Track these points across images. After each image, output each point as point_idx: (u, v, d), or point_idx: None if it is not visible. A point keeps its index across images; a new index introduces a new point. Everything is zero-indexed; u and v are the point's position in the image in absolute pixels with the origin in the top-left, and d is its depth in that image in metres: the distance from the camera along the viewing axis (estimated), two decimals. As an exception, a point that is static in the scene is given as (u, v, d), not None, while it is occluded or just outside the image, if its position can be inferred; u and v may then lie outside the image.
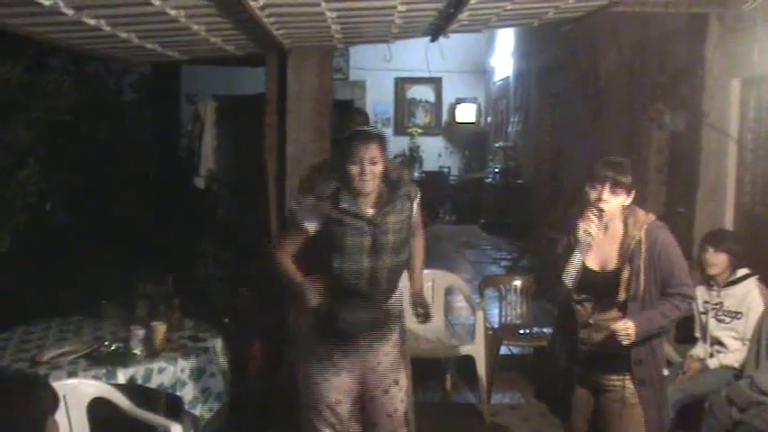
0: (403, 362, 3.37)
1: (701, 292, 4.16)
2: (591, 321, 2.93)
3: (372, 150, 3.05)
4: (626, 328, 2.81)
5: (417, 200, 3.26)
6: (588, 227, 2.82)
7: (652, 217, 2.96)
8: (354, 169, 3.05)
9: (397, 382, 3.28)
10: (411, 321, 3.54)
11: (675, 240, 2.96)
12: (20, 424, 2.09)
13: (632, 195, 2.91)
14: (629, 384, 2.94)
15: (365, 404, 3.29)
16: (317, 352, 3.21)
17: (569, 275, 2.83)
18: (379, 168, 3.07)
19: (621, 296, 2.89)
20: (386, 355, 3.25)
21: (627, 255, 2.88)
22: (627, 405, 2.94)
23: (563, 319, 3.07)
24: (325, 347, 3.19)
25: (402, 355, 3.35)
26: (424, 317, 3.34)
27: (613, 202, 2.85)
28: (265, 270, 5.47)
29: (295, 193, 3.32)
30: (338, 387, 3.20)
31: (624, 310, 2.88)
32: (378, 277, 3.12)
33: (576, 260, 2.82)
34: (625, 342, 2.82)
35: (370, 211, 3.11)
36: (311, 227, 3.12)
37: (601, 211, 2.84)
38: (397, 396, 3.29)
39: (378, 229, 3.08)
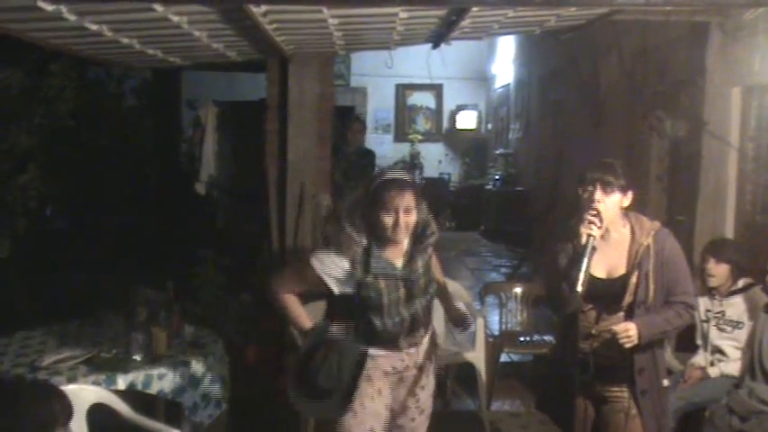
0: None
1: (702, 301, 4.15)
2: (593, 332, 2.92)
3: (408, 200, 2.85)
4: (627, 330, 2.80)
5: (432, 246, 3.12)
6: (590, 230, 2.81)
7: (658, 224, 2.96)
8: (388, 220, 2.84)
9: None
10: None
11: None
12: (29, 430, 2.09)
13: (629, 196, 2.90)
14: (628, 395, 2.93)
15: None
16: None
17: (581, 283, 2.77)
18: (413, 219, 2.89)
19: (627, 300, 2.88)
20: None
21: (636, 260, 2.88)
22: (628, 416, 2.93)
23: (566, 328, 3.06)
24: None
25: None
26: (463, 323, 3.17)
27: (608, 202, 2.84)
28: (264, 281, 5.49)
29: (320, 244, 3.10)
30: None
31: (630, 316, 2.87)
32: (416, 322, 3.00)
33: (584, 266, 2.78)
34: (627, 345, 2.81)
35: (399, 263, 2.96)
36: (337, 289, 2.93)
37: (597, 212, 2.82)
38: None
39: (409, 279, 2.95)
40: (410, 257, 2.98)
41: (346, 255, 2.89)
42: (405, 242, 2.98)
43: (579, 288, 2.77)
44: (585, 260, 2.78)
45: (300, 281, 3.02)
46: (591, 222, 2.81)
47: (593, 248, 2.80)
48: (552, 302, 3.10)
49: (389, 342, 2.98)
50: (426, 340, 3.11)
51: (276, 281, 3.08)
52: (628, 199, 2.90)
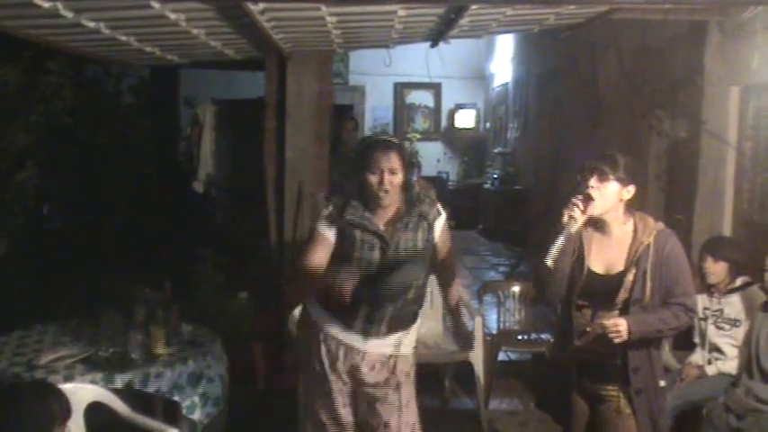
0: (407, 407, 3.14)
1: (701, 299, 4.14)
2: (588, 330, 2.91)
3: (393, 161, 2.89)
4: (616, 325, 2.79)
5: (441, 222, 3.11)
6: (572, 211, 2.82)
7: (661, 225, 2.95)
8: (373, 179, 2.89)
9: (387, 426, 3.09)
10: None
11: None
12: (27, 429, 2.09)
13: (629, 190, 2.87)
14: (623, 394, 2.92)
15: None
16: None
17: (551, 256, 2.80)
18: (398, 179, 2.91)
19: (621, 297, 2.87)
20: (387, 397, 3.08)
21: (634, 258, 2.87)
22: (621, 415, 2.91)
23: (562, 326, 3.06)
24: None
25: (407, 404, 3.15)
26: (465, 342, 3.18)
27: (603, 191, 2.84)
28: (266, 274, 5.49)
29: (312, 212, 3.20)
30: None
31: (625, 314, 2.86)
32: (382, 301, 2.95)
33: (559, 243, 2.80)
34: (617, 340, 2.79)
35: (381, 227, 2.96)
36: (331, 236, 2.96)
37: (586, 197, 2.83)
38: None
39: (386, 244, 2.93)
40: (394, 224, 2.96)
41: (332, 204, 2.98)
42: (392, 209, 2.98)
43: (549, 262, 2.80)
44: (561, 238, 2.81)
45: (312, 247, 2.98)
46: (574, 204, 2.82)
47: (572, 230, 2.82)
48: (536, 287, 3.13)
49: (350, 309, 2.96)
50: (390, 343, 3.04)
51: (300, 263, 3.04)
52: (628, 192, 2.88)
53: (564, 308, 3.05)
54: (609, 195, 2.86)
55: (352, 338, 3.02)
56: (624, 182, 2.86)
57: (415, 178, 3.14)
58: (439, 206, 3.13)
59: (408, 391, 3.14)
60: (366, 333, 3.00)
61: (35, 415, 2.14)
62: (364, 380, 3.06)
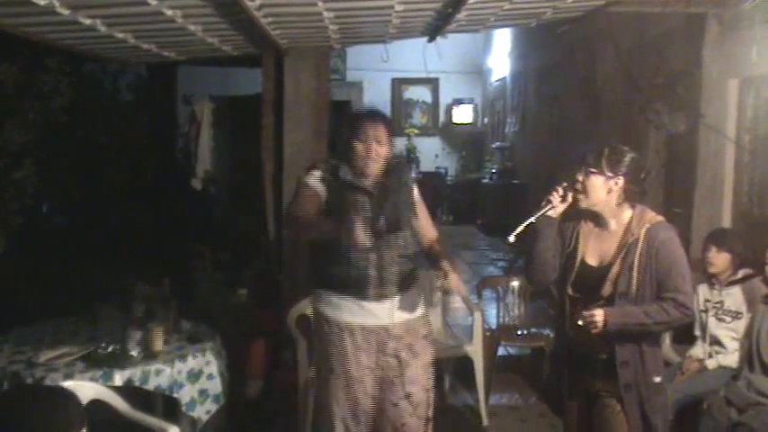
0: (425, 375, 3.22)
1: (702, 290, 4.16)
2: (580, 323, 2.88)
3: (380, 130, 3.06)
4: (592, 315, 2.76)
5: (415, 187, 3.26)
6: (551, 196, 2.86)
7: (660, 218, 2.90)
8: (360, 146, 3.05)
9: (409, 396, 3.15)
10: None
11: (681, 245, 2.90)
12: None
13: (616, 182, 2.83)
14: (613, 389, 2.87)
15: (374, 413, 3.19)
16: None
17: (515, 233, 2.85)
18: (384, 150, 3.07)
19: (607, 291, 2.83)
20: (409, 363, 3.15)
21: (623, 250, 2.85)
22: (614, 412, 2.87)
23: (559, 320, 3.05)
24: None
25: (425, 367, 3.22)
26: (445, 278, 3.12)
27: (588, 184, 2.84)
28: (267, 265, 5.48)
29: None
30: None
31: (611, 306, 2.82)
32: (388, 260, 3.05)
33: (527, 221, 2.86)
34: (593, 331, 2.76)
35: (369, 187, 3.10)
36: (320, 189, 3.08)
37: (573, 189, 2.86)
38: (407, 410, 3.15)
39: (375, 200, 3.07)
40: (379, 182, 3.10)
41: (321, 166, 3.14)
42: (375, 176, 3.11)
43: (511, 238, 2.85)
44: (532, 218, 2.88)
45: (300, 198, 3.10)
46: (554, 190, 2.87)
47: (549, 217, 2.88)
48: (527, 278, 3.19)
49: (357, 284, 3.04)
50: (401, 304, 3.13)
51: (289, 215, 3.16)
52: (616, 185, 2.82)
53: (559, 300, 3.04)
54: (594, 188, 2.84)
55: (371, 314, 3.09)
56: (614, 177, 2.83)
57: (413, 175, 3.19)
58: (412, 174, 3.35)
59: (428, 357, 3.23)
60: (380, 297, 3.08)
61: (52, 422, 2.13)
62: (389, 358, 3.12)
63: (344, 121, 3.15)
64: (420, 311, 3.24)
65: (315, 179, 3.10)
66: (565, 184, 2.87)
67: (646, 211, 2.91)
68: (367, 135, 3.04)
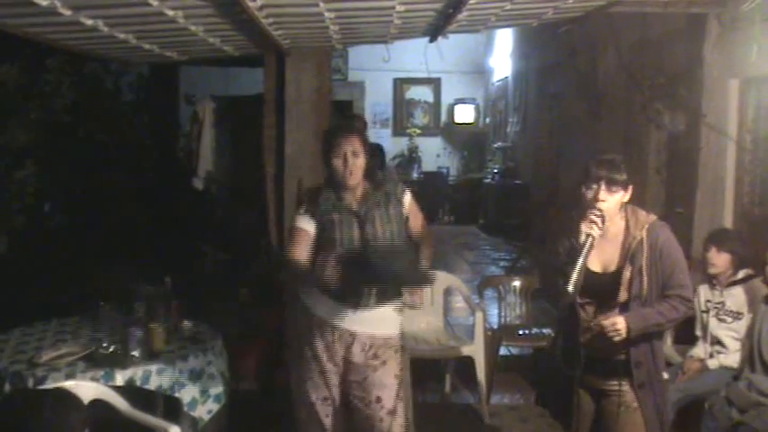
0: (393, 382, 3.27)
1: (703, 291, 4.16)
2: (593, 325, 2.90)
3: (354, 143, 3.14)
4: (615, 324, 2.79)
5: (408, 197, 3.31)
6: (591, 230, 2.77)
7: (653, 217, 2.93)
8: (338, 162, 3.13)
9: (379, 400, 3.22)
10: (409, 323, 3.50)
11: (677, 241, 2.94)
12: None
13: (629, 191, 2.87)
14: (628, 388, 2.92)
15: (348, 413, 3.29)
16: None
17: (574, 283, 2.74)
18: (361, 162, 3.15)
19: (623, 297, 2.86)
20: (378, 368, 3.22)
21: (629, 255, 2.85)
22: (628, 409, 2.92)
23: (564, 321, 3.05)
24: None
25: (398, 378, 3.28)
26: (411, 302, 3.28)
27: (611, 200, 2.82)
28: (266, 270, 5.48)
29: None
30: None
31: (625, 311, 2.85)
32: (369, 274, 3.10)
33: (579, 266, 2.74)
34: (616, 339, 2.80)
35: (354, 204, 3.19)
36: (310, 228, 3.19)
37: (600, 211, 2.80)
38: (377, 414, 3.23)
39: (362, 220, 3.15)
40: (365, 198, 3.18)
41: (306, 198, 3.27)
42: (359, 190, 3.21)
43: (571, 288, 2.74)
44: (581, 259, 2.75)
45: (293, 242, 3.20)
46: (593, 222, 2.77)
47: (591, 247, 2.77)
48: (548, 296, 3.11)
49: (342, 285, 3.10)
50: (386, 315, 3.21)
51: (284, 258, 3.26)
52: (628, 194, 2.88)
53: (568, 306, 3.03)
54: (617, 202, 2.85)
55: (344, 319, 3.17)
56: (627, 185, 2.85)
57: (415, 175, 3.23)
58: (402, 184, 3.36)
59: (397, 367, 3.29)
60: (356, 306, 3.17)
61: (57, 426, 2.14)
62: (355, 360, 3.21)
63: (321, 141, 3.26)
64: (393, 330, 3.28)
65: (301, 217, 3.21)
66: (597, 211, 2.79)
67: (637, 211, 2.93)
68: (341, 149, 3.12)
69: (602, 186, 2.80)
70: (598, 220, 2.78)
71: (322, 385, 3.25)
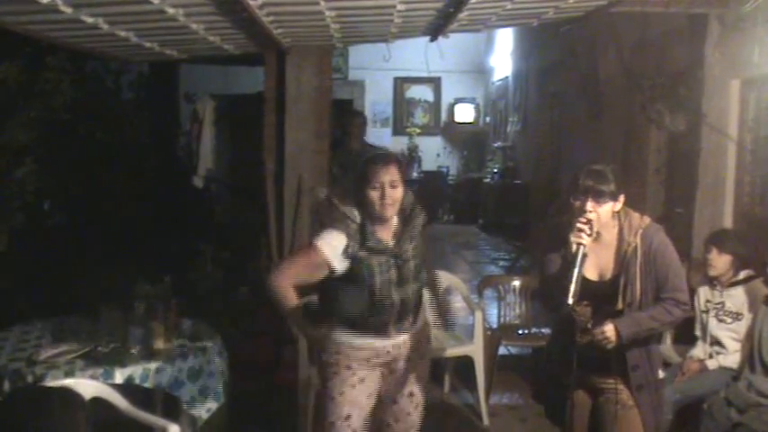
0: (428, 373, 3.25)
1: (703, 291, 4.16)
2: (589, 326, 2.89)
3: (392, 173, 2.91)
4: (603, 333, 2.79)
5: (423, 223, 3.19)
6: (579, 239, 2.75)
7: (647, 220, 2.92)
8: (374, 195, 2.90)
9: (412, 395, 3.18)
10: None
11: (672, 243, 2.92)
12: None
13: (620, 200, 2.86)
14: (625, 387, 2.92)
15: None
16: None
17: (572, 294, 2.72)
18: (399, 193, 2.93)
19: (620, 305, 2.86)
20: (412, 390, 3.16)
21: (623, 262, 2.85)
22: (625, 408, 2.92)
23: (561, 321, 3.05)
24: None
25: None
26: (444, 323, 3.25)
27: (600, 211, 2.81)
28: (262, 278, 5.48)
29: (315, 227, 3.11)
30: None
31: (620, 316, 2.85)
32: (405, 308, 3.01)
33: (575, 277, 2.72)
34: (608, 346, 2.80)
35: (390, 242, 3.00)
36: (340, 267, 2.92)
37: (588, 221, 2.78)
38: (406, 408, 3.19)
39: (400, 259, 2.98)
40: (400, 237, 3.01)
41: (343, 230, 2.91)
42: (394, 221, 3.02)
43: (570, 300, 2.72)
44: (576, 270, 2.73)
45: (303, 267, 2.96)
46: (581, 231, 2.76)
47: (584, 256, 2.76)
48: (545, 306, 3.11)
49: (378, 327, 2.99)
50: (416, 329, 3.13)
51: (276, 272, 3.02)
52: (619, 203, 2.87)
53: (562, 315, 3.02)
54: (606, 213, 2.84)
55: (386, 344, 3.05)
56: (616, 195, 2.84)
57: (415, 174, 3.15)
58: (422, 212, 3.15)
59: (429, 360, 3.26)
60: (399, 333, 3.06)
61: (61, 424, 2.14)
62: (399, 365, 3.11)
63: (356, 169, 2.99)
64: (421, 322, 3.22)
65: (331, 248, 2.91)
66: (584, 220, 2.78)
67: (631, 216, 2.91)
68: (381, 182, 2.89)
69: (590, 198, 2.79)
70: (586, 228, 2.76)
71: (355, 396, 3.06)
